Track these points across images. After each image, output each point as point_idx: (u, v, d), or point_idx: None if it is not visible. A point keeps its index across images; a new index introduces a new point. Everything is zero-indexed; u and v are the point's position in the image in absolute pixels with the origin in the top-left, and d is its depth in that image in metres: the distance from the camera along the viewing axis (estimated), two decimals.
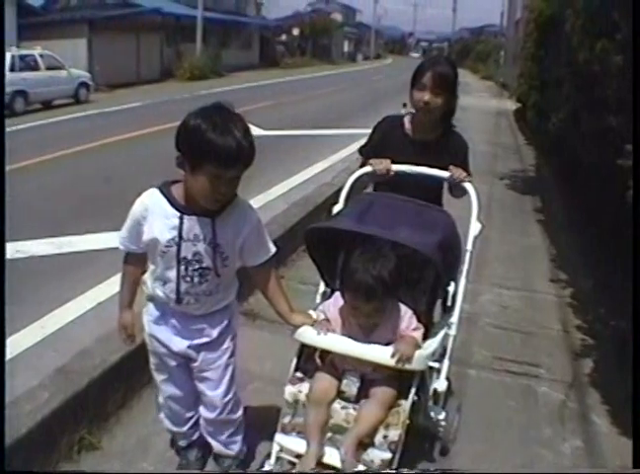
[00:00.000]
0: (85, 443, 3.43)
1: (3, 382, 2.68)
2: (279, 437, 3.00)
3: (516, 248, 7.44)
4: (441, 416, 3.37)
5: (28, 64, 21.72)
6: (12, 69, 20.52)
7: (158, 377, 3.12)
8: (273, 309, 3.02)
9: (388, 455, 2.81)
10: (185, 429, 3.25)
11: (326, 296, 3.29)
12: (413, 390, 2.91)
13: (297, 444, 2.92)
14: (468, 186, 3.58)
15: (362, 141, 4.07)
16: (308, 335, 2.90)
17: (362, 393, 2.93)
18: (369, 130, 3.99)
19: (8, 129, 15.24)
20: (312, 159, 10.66)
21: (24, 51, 22.20)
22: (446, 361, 3.20)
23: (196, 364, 3.00)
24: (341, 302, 3.00)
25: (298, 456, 2.91)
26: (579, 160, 7.45)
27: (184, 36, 37.10)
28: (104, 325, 4.26)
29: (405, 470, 3.02)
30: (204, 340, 2.95)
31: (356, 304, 2.82)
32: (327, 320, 2.98)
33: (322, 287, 3.38)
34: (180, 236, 2.70)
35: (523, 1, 24.37)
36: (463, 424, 3.74)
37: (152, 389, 3.83)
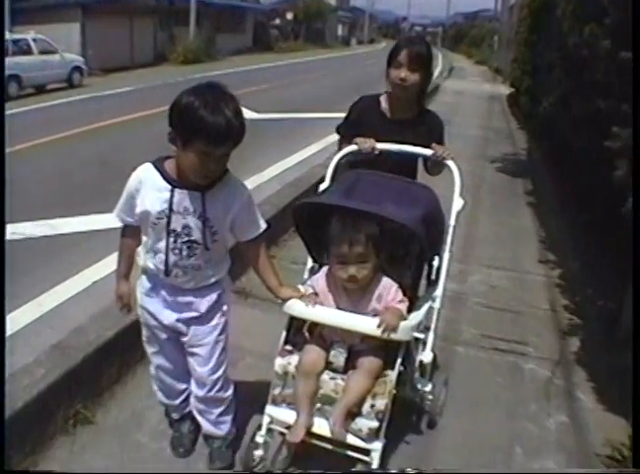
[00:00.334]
0: (80, 417, 3.51)
1: (3, 383, 2.74)
2: (269, 409, 3.09)
3: (505, 230, 7.53)
4: (428, 387, 3.48)
5: (21, 48, 21.64)
6: (5, 53, 20.48)
7: (149, 349, 3.21)
8: (263, 285, 3.10)
9: (375, 424, 2.89)
10: (177, 401, 3.33)
11: (314, 272, 3.36)
12: (399, 360, 2.99)
13: (287, 415, 3.01)
14: (450, 163, 3.66)
15: None
16: (297, 307, 2.98)
17: (350, 364, 3.01)
18: None
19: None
20: (305, 142, 10.69)
21: (17, 36, 22.10)
22: (431, 334, 3.29)
23: (185, 339, 3.06)
24: (328, 275, 3.09)
25: (288, 427, 3.00)
26: (569, 144, 7.53)
27: (177, 19, 36.92)
28: (98, 303, 4.36)
29: (409, 469, 3.12)
30: (193, 314, 3.01)
31: (342, 252, 2.89)
32: (315, 293, 3.06)
33: (310, 263, 3.46)
34: (170, 208, 2.77)
35: None
36: (451, 399, 3.84)
37: (146, 365, 3.91)
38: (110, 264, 5.44)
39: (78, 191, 8.49)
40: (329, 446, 2.94)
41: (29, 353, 3.79)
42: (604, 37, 4.85)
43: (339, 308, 3.00)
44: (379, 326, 2.82)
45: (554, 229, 7.46)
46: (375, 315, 2.93)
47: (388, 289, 3.02)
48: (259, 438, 3.09)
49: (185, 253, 2.86)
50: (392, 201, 3.17)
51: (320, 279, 3.13)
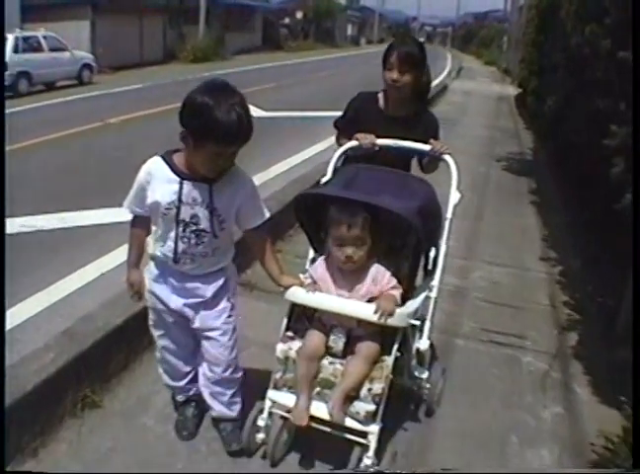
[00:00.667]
0: (88, 401, 3.62)
1: (3, 383, 2.83)
2: (270, 393, 3.21)
3: (508, 227, 7.60)
4: (425, 375, 3.57)
5: (31, 46, 21.70)
6: (15, 51, 20.57)
7: (156, 332, 3.33)
8: (268, 278, 3.23)
9: (372, 407, 3.00)
10: (182, 383, 3.45)
11: (315, 261, 3.46)
12: (395, 346, 3.10)
13: (288, 399, 3.13)
14: (448, 158, 3.76)
15: None
16: (298, 294, 3.12)
17: (349, 349, 3.12)
18: None
19: (13, 110, 15.42)
20: (312, 139, 10.77)
21: (27, 33, 22.16)
22: (428, 323, 3.39)
23: (196, 325, 3.19)
24: (326, 262, 3.23)
25: (289, 411, 3.12)
26: (572, 143, 7.61)
27: (187, 18, 36.99)
28: (107, 293, 4.48)
29: (420, 469, 3.21)
30: (199, 299, 3.13)
31: (341, 234, 3.02)
32: (314, 282, 3.19)
33: (311, 254, 3.58)
34: (179, 199, 2.90)
35: None
36: (448, 389, 3.94)
37: (153, 352, 4.03)
38: (118, 256, 5.59)
39: (88, 185, 8.60)
40: (328, 429, 3.05)
41: (39, 339, 3.90)
42: (605, 36, 4.94)
43: (337, 293, 3.13)
44: (376, 312, 2.94)
45: (556, 227, 7.54)
46: (371, 298, 3.07)
47: (382, 274, 3.14)
48: (260, 422, 3.20)
49: (193, 241, 2.99)
50: (389, 194, 3.28)
51: (319, 267, 3.25)
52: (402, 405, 3.63)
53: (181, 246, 2.99)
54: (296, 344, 3.19)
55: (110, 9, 29.73)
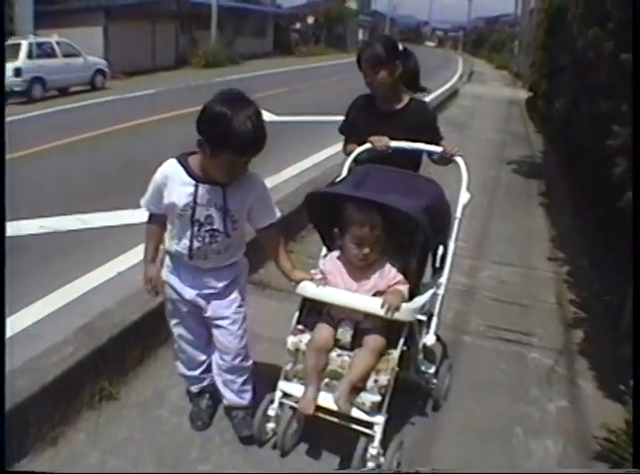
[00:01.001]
0: (105, 394, 3.75)
1: (3, 383, 2.91)
2: (281, 384, 3.34)
3: (517, 228, 7.69)
4: (431, 370, 3.68)
5: (45, 51, 21.88)
6: (29, 56, 20.78)
7: (172, 321, 3.47)
8: (280, 277, 3.38)
9: (378, 398, 3.11)
10: (197, 372, 3.57)
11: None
12: (402, 340, 3.20)
13: (298, 390, 3.25)
14: (459, 159, 3.89)
15: None
16: (308, 289, 3.24)
17: (356, 342, 3.23)
18: None
19: (27, 115, 15.61)
20: (322, 143, 10.85)
21: (41, 39, 22.36)
22: (435, 319, 3.52)
23: (208, 314, 3.33)
24: (335, 258, 3.36)
25: (298, 401, 3.23)
26: (579, 145, 7.68)
27: (199, 23, 37.22)
28: (122, 292, 4.61)
29: (422, 469, 3.30)
30: (211, 291, 3.29)
31: (363, 234, 3.15)
32: (324, 276, 3.31)
33: (324, 251, 3.69)
34: (195, 201, 3.05)
35: None
36: (455, 383, 4.04)
37: (168, 348, 4.17)
38: (133, 256, 5.73)
39: (103, 188, 8.75)
40: (335, 419, 3.16)
41: (56, 335, 4.00)
42: (607, 39, 5.03)
43: (345, 287, 3.25)
44: (383, 306, 3.05)
45: (565, 228, 7.62)
46: (377, 292, 3.19)
47: (388, 269, 3.27)
48: (271, 412, 3.33)
49: (207, 240, 3.14)
50: (398, 193, 3.38)
51: (328, 262, 3.38)
52: (409, 399, 3.73)
53: (195, 244, 3.14)
54: (306, 336, 3.30)
55: (122, 15, 29.88)
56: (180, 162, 3.08)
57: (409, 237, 3.42)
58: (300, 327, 3.39)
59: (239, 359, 3.39)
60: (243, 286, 3.45)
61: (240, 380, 3.46)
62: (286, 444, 3.33)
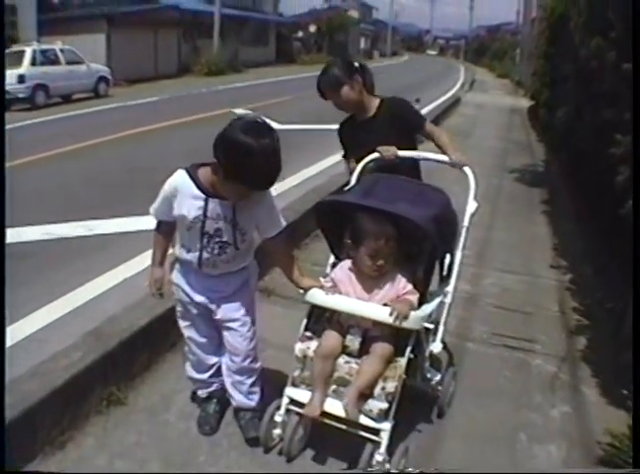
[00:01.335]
0: (113, 398, 3.78)
1: (3, 383, 2.92)
2: (288, 391, 3.37)
3: (520, 236, 7.73)
4: (437, 377, 3.71)
5: (48, 58, 22.04)
6: (33, 63, 20.92)
7: (182, 323, 3.52)
8: (285, 285, 3.42)
9: (385, 405, 3.14)
10: (206, 376, 3.60)
11: (335, 267, 3.62)
12: (409, 348, 3.24)
13: (305, 396, 3.28)
14: (467, 169, 3.95)
15: None
16: (317, 296, 3.29)
17: (364, 349, 3.27)
18: None
19: (30, 122, 15.65)
20: (325, 152, 10.86)
21: (45, 46, 22.51)
22: (441, 327, 3.55)
23: (219, 317, 3.38)
24: (347, 267, 3.39)
25: (305, 407, 3.26)
26: (582, 153, 7.72)
27: (201, 32, 37.35)
28: (129, 298, 4.65)
29: (426, 470, 3.33)
30: (220, 295, 3.35)
31: (378, 246, 3.18)
32: (334, 285, 3.35)
33: (331, 259, 3.74)
34: (204, 215, 3.11)
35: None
36: (459, 390, 4.07)
37: (175, 353, 4.21)
38: (139, 262, 5.78)
39: (106, 195, 8.79)
40: (342, 426, 3.19)
41: (64, 340, 4.05)
42: (610, 49, 5.07)
43: (356, 296, 3.29)
44: (391, 314, 3.09)
45: (567, 236, 7.64)
46: (386, 303, 3.22)
47: (399, 280, 3.31)
48: (278, 418, 3.36)
49: (216, 251, 3.21)
50: (406, 202, 3.42)
51: (339, 271, 3.43)
52: (414, 407, 3.75)
53: (205, 255, 3.21)
54: (314, 343, 3.35)
55: (125, 23, 30.05)
56: (190, 175, 3.11)
57: (417, 246, 3.46)
58: (308, 334, 3.43)
59: (248, 361, 3.44)
60: (253, 289, 3.52)
61: (249, 382, 3.50)
62: (293, 450, 3.36)
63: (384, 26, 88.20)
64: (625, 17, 4.56)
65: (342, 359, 3.26)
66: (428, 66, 53.42)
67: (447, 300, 3.58)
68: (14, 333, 4.59)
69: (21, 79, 19.87)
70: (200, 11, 37.99)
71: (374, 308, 3.19)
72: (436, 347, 3.50)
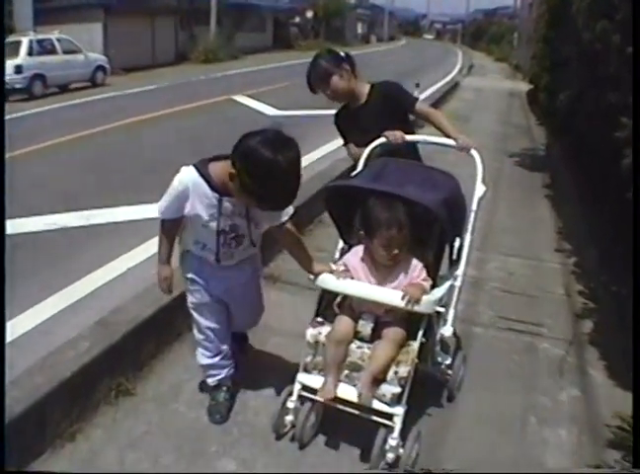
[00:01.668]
0: (122, 389, 3.76)
1: (3, 383, 2.91)
2: (300, 376, 3.35)
3: (524, 220, 7.72)
4: (448, 361, 3.71)
5: (45, 48, 21.97)
6: (30, 53, 20.86)
7: (195, 312, 3.51)
8: (291, 271, 3.44)
9: (398, 389, 3.13)
10: (217, 359, 3.59)
11: (344, 252, 3.62)
12: (421, 332, 3.23)
13: (317, 382, 3.27)
14: (474, 152, 3.94)
15: None
16: (328, 281, 3.27)
17: (376, 334, 3.26)
18: None
19: (29, 112, 15.60)
20: (326, 137, 10.82)
21: (41, 36, 22.44)
22: (452, 310, 3.54)
23: (227, 300, 3.47)
24: (360, 253, 3.37)
25: (318, 391, 3.26)
26: (585, 137, 7.69)
27: (198, 19, 37.16)
28: (133, 288, 4.64)
29: (434, 469, 3.32)
30: (234, 283, 3.40)
31: (391, 235, 3.15)
32: (347, 270, 3.33)
33: (340, 244, 3.73)
34: (219, 212, 3.10)
35: None
36: (469, 374, 4.06)
37: (182, 342, 4.21)
38: (142, 252, 5.76)
39: (109, 184, 8.75)
40: (355, 412, 3.18)
41: (71, 330, 4.05)
42: (615, 32, 5.03)
43: (369, 283, 3.27)
44: (403, 298, 3.07)
45: (571, 220, 7.63)
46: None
47: (414, 267, 3.29)
48: (290, 404, 3.35)
49: (233, 245, 3.26)
50: (416, 185, 3.42)
51: (352, 257, 3.41)
52: (425, 391, 3.74)
53: (222, 250, 3.25)
54: (326, 328, 3.33)
55: (121, 11, 29.91)
56: (200, 173, 3.06)
57: (427, 229, 3.43)
58: (319, 319, 3.42)
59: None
60: (259, 275, 3.68)
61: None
62: (305, 437, 3.35)
63: (381, 10, 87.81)
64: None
65: (354, 345, 3.25)
66: (425, 50, 53.27)
67: (458, 283, 3.57)
68: (18, 325, 4.63)
69: (18, 69, 19.81)
70: None
71: (386, 292, 3.18)
72: (446, 330, 3.48)
